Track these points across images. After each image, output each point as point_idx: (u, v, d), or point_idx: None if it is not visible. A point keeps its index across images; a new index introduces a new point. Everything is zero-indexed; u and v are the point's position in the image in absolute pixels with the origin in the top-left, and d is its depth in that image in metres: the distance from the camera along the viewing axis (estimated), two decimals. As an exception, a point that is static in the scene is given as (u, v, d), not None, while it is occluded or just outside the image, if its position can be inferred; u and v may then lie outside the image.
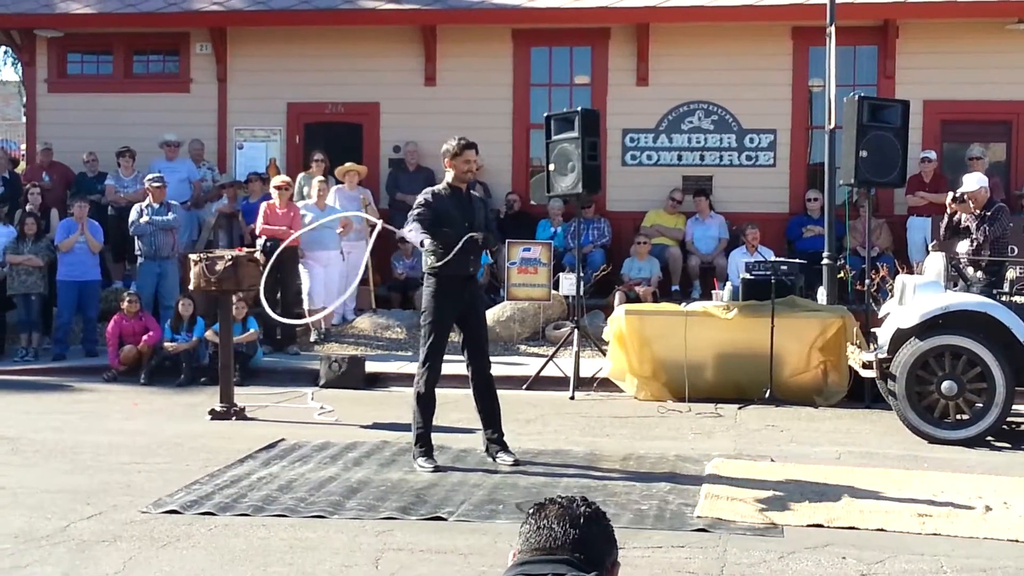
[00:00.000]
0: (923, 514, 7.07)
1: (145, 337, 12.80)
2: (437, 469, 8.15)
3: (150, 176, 14.42)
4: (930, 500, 7.40)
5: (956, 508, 7.23)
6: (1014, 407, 9.77)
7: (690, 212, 15.66)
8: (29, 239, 14.04)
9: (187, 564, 6.10)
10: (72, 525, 6.80)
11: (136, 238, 14.10)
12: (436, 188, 8.53)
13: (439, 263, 8.25)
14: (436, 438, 8.52)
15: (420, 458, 8.28)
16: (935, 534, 6.71)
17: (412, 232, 8.14)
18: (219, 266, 10.44)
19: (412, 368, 12.61)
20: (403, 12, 16.13)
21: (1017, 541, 6.60)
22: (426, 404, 8.35)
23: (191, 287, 10.99)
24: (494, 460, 8.38)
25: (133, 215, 14.09)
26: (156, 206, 14.04)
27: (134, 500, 7.34)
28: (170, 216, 14.10)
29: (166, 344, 12.78)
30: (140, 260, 14.17)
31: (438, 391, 8.46)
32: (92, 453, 8.84)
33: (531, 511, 2.99)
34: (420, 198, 8.42)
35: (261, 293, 9.91)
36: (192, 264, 10.67)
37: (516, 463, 8.30)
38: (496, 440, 8.46)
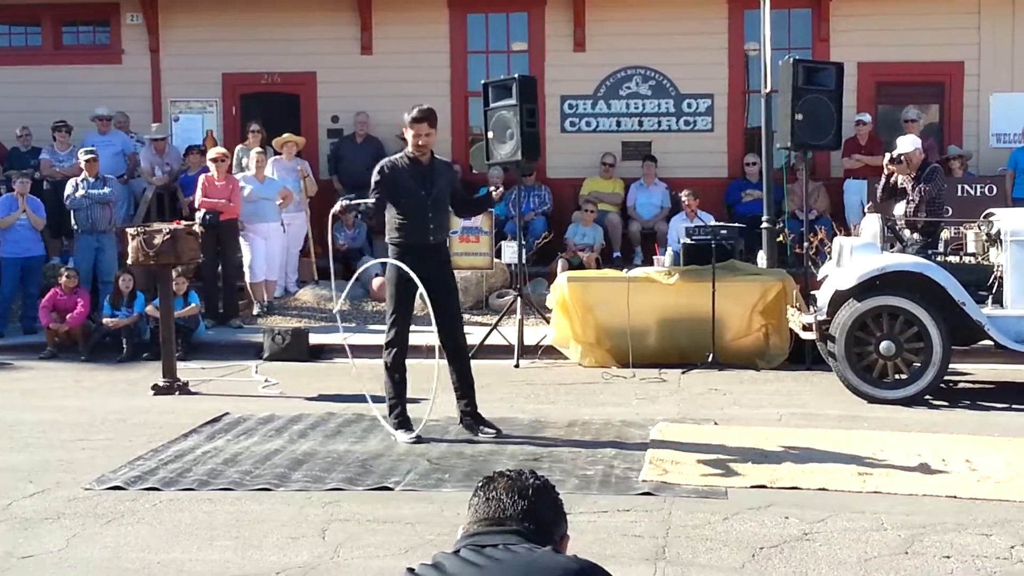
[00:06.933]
0: (863, 472, 7.18)
1: (69, 316, 12.65)
2: (419, 440, 8.09)
3: (83, 150, 14.23)
4: (870, 459, 7.52)
5: (895, 466, 7.35)
6: (951, 366, 9.95)
7: (629, 178, 15.72)
8: (-40, 215, 13.82)
9: (132, 540, 6.07)
10: (14, 503, 6.74)
11: (72, 212, 13.92)
12: (395, 158, 8.41)
13: (396, 233, 8.24)
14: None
15: (398, 431, 8.22)
16: (875, 492, 6.81)
17: (357, 203, 8.17)
18: (157, 240, 10.33)
19: (356, 339, 12.66)
20: (338, -21, 16.00)
21: (955, 497, 6.72)
22: (395, 376, 8.27)
23: (129, 262, 10.86)
24: (474, 434, 8.30)
25: (69, 189, 13.90)
26: (92, 180, 13.87)
27: (77, 477, 7.29)
28: (106, 190, 13.93)
29: (106, 320, 12.65)
30: (77, 235, 13.99)
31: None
32: (33, 431, 8.75)
33: (480, 484, 3.01)
34: (375, 174, 8.31)
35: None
36: (130, 238, 10.55)
37: (499, 434, 8.25)
38: (470, 412, 8.41)
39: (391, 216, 8.28)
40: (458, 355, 8.42)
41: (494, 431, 8.32)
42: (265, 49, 16.31)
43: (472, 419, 8.40)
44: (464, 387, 8.42)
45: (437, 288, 8.34)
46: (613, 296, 11.57)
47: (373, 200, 8.19)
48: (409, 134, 8.27)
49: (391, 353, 8.28)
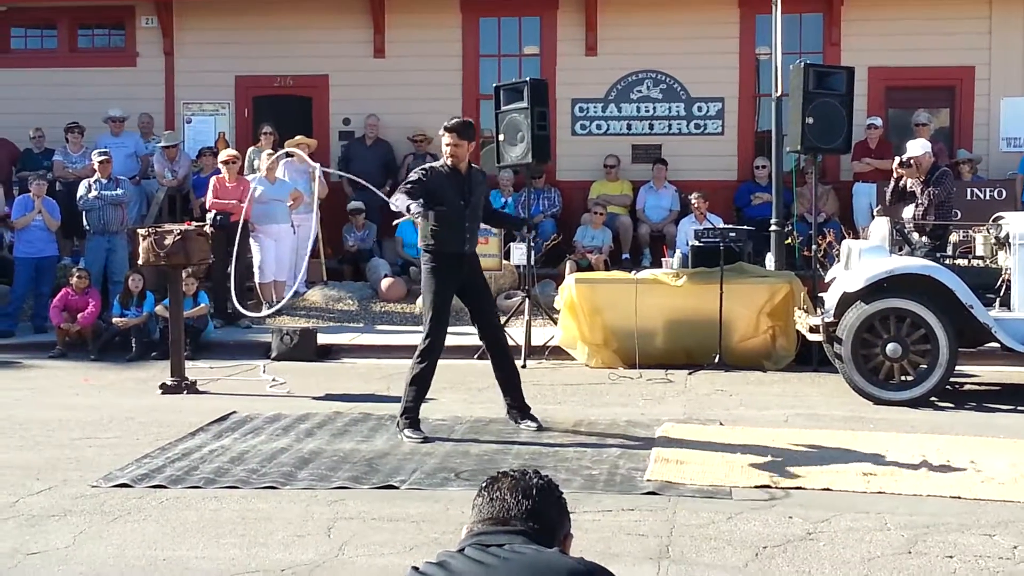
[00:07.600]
0: (868, 473, 7.18)
1: (80, 316, 12.72)
2: (426, 440, 8.15)
3: (96, 151, 14.32)
4: (875, 459, 7.51)
5: (900, 467, 7.35)
6: (957, 367, 9.95)
7: (637, 180, 15.74)
8: (-27, 216, 13.93)
9: (138, 537, 6.09)
10: (22, 500, 6.77)
11: (84, 213, 14.00)
12: (435, 164, 8.48)
13: (432, 241, 8.31)
14: (393, 408, 8.54)
15: (407, 429, 8.26)
16: (880, 492, 6.81)
17: (398, 200, 8.06)
18: (168, 240, 10.38)
19: (364, 340, 12.80)
20: (351, -17, 16.06)
21: (959, 498, 6.71)
22: (422, 379, 8.32)
23: (140, 262, 10.93)
24: (517, 424, 8.51)
25: (81, 190, 14.00)
26: (104, 181, 13.95)
27: (84, 475, 7.32)
28: (119, 191, 14.01)
29: (115, 320, 12.71)
30: (89, 235, 14.07)
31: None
32: (42, 429, 8.80)
33: (484, 484, 3.02)
34: (414, 174, 8.36)
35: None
36: (141, 239, 10.61)
37: (540, 428, 8.44)
38: (516, 406, 8.59)
39: (425, 223, 8.32)
40: (504, 354, 8.62)
41: (535, 424, 8.50)
42: (278, 52, 16.39)
43: (519, 412, 8.58)
44: (511, 383, 8.62)
45: (475, 294, 8.52)
46: (621, 298, 11.58)
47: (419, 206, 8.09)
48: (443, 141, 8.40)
49: (423, 365, 8.32)
